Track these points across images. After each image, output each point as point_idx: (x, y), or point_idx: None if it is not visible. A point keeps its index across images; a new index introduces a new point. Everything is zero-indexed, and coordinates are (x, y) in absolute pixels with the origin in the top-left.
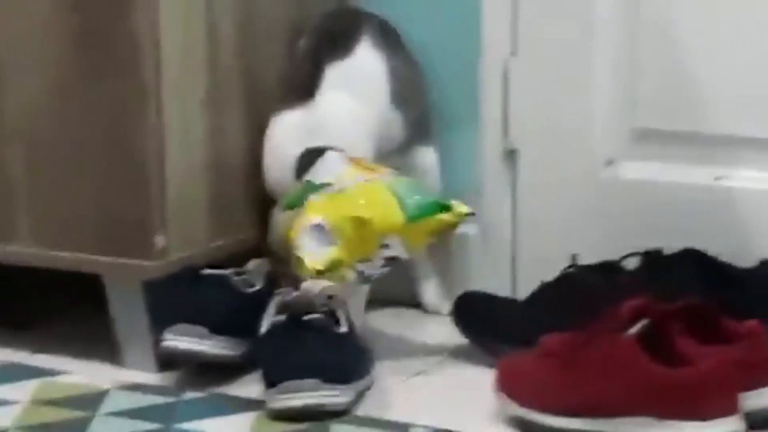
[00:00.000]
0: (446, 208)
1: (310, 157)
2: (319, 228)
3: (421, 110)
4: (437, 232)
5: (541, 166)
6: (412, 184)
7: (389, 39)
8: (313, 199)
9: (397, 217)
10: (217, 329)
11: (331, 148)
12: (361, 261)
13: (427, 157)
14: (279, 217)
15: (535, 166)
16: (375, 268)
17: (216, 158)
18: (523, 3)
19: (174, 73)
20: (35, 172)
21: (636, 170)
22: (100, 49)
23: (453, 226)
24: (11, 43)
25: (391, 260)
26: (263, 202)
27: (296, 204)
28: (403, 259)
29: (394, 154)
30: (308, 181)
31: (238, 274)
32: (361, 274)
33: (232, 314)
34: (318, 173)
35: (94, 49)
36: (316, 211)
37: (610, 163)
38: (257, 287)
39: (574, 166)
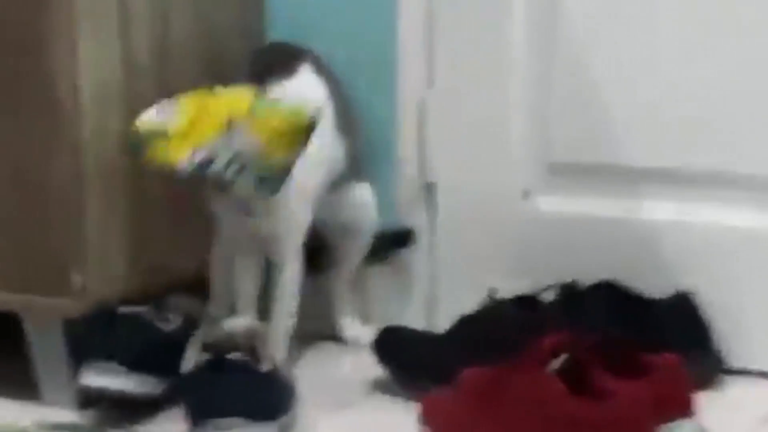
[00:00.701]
0: (297, 111)
1: None
2: (163, 104)
3: (357, 145)
4: (288, 135)
5: (458, 199)
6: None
7: (325, 70)
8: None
9: (243, 102)
10: (133, 367)
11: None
12: (199, 146)
13: (364, 192)
14: None
15: (452, 198)
16: (218, 165)
17: (135, 193)
18: (439, 36)
19: (92, 109)
20: None
21: (552, 203)
22: (15, 87)
23: (304, 131)
24: None
25: (236, 160)
26: (184, 238)
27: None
28: (261, 163)
29: (333, 187)
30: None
31: (156, 309)
32: (193, 161)
33: (148, 352)
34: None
35: (10, 86)
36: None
37: (526, 195)
38: (174, 325)
39: (491, 198)
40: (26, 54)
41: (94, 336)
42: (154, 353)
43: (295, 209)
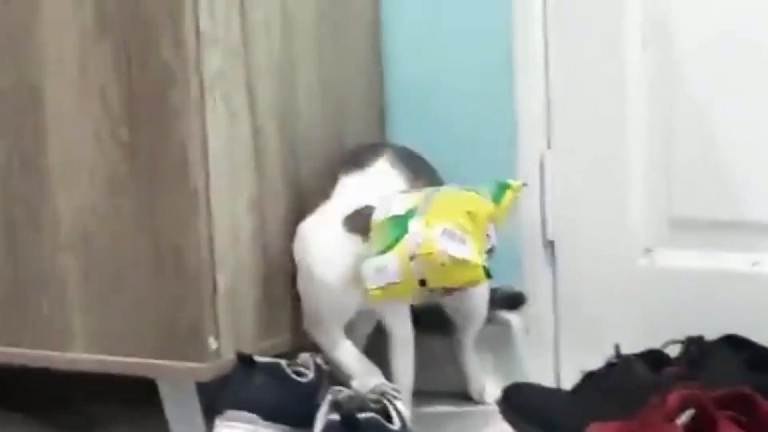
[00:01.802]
0: (507, 185)
1: (364, 213)
2: (447, 231)
3: None
4: (509, 210)
5: (579, 257)
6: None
7: (411, 162)
8: (415, 220)
9: (489, 204)
10: (268, 417)
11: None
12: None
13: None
14: (372, 265)
15: (573, 256)
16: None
17: (263, 259)
18: (557, 96)
19: (222, 178)
20: (89, 280)
21: (673, 258)
22: (151, 159)
23: (515, 201)
24: (64, 152)
25: (490, 251)
26: None
27: (391, 243)
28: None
29: None
30: (393, 216)
31: (289, 365)
32: (484, 267)
33: (283, 403)
34: (385, 211)
35: (145, 158)
36: (430, 224)
37: (648, 251)
38: (309, 377)
39: (612, 255)
40: (159, 126)
41: (230, 386)
42: (289, 404)
43: None
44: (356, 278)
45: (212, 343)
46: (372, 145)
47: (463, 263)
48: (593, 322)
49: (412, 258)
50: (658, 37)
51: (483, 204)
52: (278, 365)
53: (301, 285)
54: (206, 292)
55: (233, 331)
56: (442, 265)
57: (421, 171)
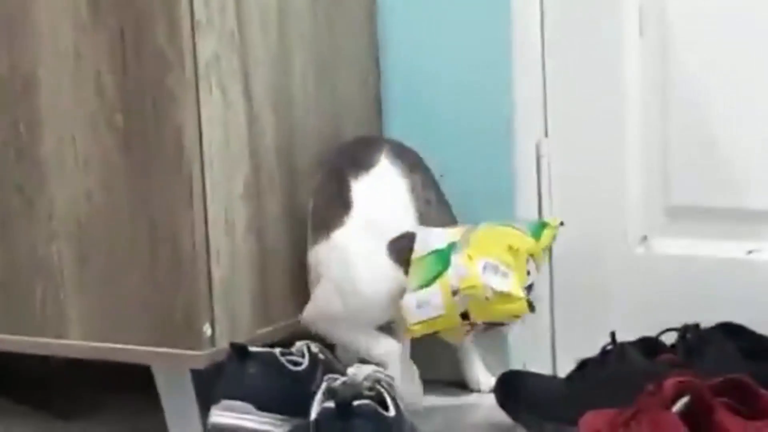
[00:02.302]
0: (545, 223)
1: (407, 240)
2: (489, 265)
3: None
4: (547, 247)
5: (576, 245)
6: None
7: (405, 157)
8: (456, 254)
9: (529, 239)
10: (263, 406)
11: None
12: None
13: None
14: (414, 299)
15: (570, 244)
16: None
17: (258, 247)
18: (553, 85)
19: (217, 166)
20: (84, 267)
21: (670, 246)
22: (145, 145)
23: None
24: (59, 140)
25: (530, 287)
26: (305, 289)
27: (433, 277)
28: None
29: None
30: (434, 251)
31: (284, 354)
32: (528, 300)
33: (278, 391)
34: (426, 246)
35: (140, 145)
36: (472, 257)
37: (644, 239)
38: (303, 366)
39: (609, 243)
40: (155, 113)
41: (225, 375)
42: (283, 393)
43: None
44: (396, 299)
45: (207, 331)
46: (368, 142)
47: (506, 297)
48: (589, 309)
49: (455, 293)
50: (656, 23)
51: (524, 239)
52: (272, 354)
53: (334, 295)
54: (201, 280)
55: (228, 319)
56: (486, 299)
57: (415, 165)
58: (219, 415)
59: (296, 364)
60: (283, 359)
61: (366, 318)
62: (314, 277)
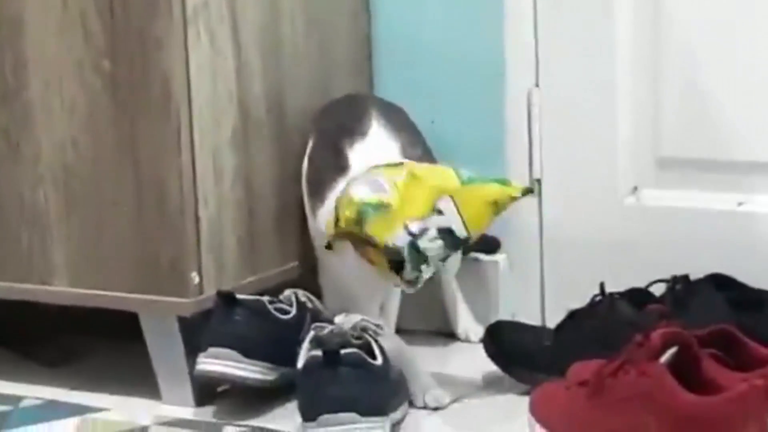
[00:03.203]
0: (503, 182)
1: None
2: (374, 179)
3: None
4: (494, 205)
5: (566, 195)
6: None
7: (393, 119)
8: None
9: (452, 178)
10: (250, 354)
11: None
12: (412, 219)
13: None
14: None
15: (560, 194)
16: (429, 238)
17: (246, 194)
18: (545, 35)
19: (205, 113)
20: (71, 213)
21: (660, 197)
22: (133, 92)
23: (510, 200)
24: (45, 85)
25: (446, 233)
26: (293, 237)
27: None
28: (460, 237)
29: None
30: (365, 203)
31: (272, 302)
32: (409, 233)
33: (265, 339)
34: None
35: (127, 91)
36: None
37: (634, 190)
38: (291, 314)
39: (599, 194)
40: (142, 58)
41: (212, 323)
42: (271, 341)
43: None
44: None
45: (194, 278)
46: (356, 105)
47: (350, 201)
48: (579, 260)
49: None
50: None
51: (439, 175)
52: (260, 302)
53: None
54: (189, 227)
55: (215, 267)
56: (347, 200)
57: (401, 125)
58: (205, 363)
59: (284, 312)
60: (270, 307)
61: (376, 291)
62: (319, 244)
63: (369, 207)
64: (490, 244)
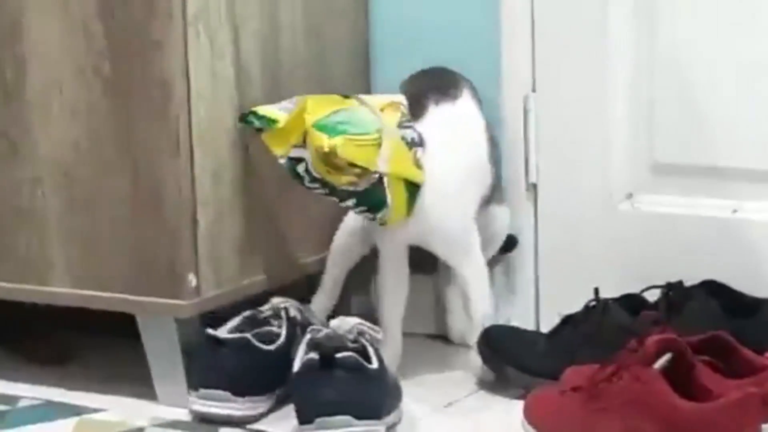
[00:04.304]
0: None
1: None
2: (287, 102)
3: (499, 172)
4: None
5: (561, 200)
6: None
7: (479, 101)
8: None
9: (318, 114)
10: (240, 392)
11: None
12: (295, 144)
13: (503, 215)
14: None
15: (555, 200)
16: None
17: (244, 197)
18: (541, 41)
19: (204, 115)
20: (69, 214)
21: (654, 203)
22: (132, 94)
23: (315, 150)
24: (45, 86)
25: (296, 161)
26: (290, 240)
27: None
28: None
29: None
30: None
31: (260, 326)
32: (285, 158)
33: (254, 374)
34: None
35: (126, 93)
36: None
37: (629, 196)
38: (279, 341)
39: (594, 199)
40: (140, 61)
41: (202, 360)
42: (260, 373)
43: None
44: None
45: (192, 281)
46: (450, 74)
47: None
48: (573, 265)
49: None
50: None
51: (316, 107)
52: (244, 339)
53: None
54: (187, 230)
55: (213, 269)
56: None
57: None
58: (199, 404)
59: (272, 337)
60: (255, 342)
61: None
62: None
63: (254, 117)
64: (509, 242)
